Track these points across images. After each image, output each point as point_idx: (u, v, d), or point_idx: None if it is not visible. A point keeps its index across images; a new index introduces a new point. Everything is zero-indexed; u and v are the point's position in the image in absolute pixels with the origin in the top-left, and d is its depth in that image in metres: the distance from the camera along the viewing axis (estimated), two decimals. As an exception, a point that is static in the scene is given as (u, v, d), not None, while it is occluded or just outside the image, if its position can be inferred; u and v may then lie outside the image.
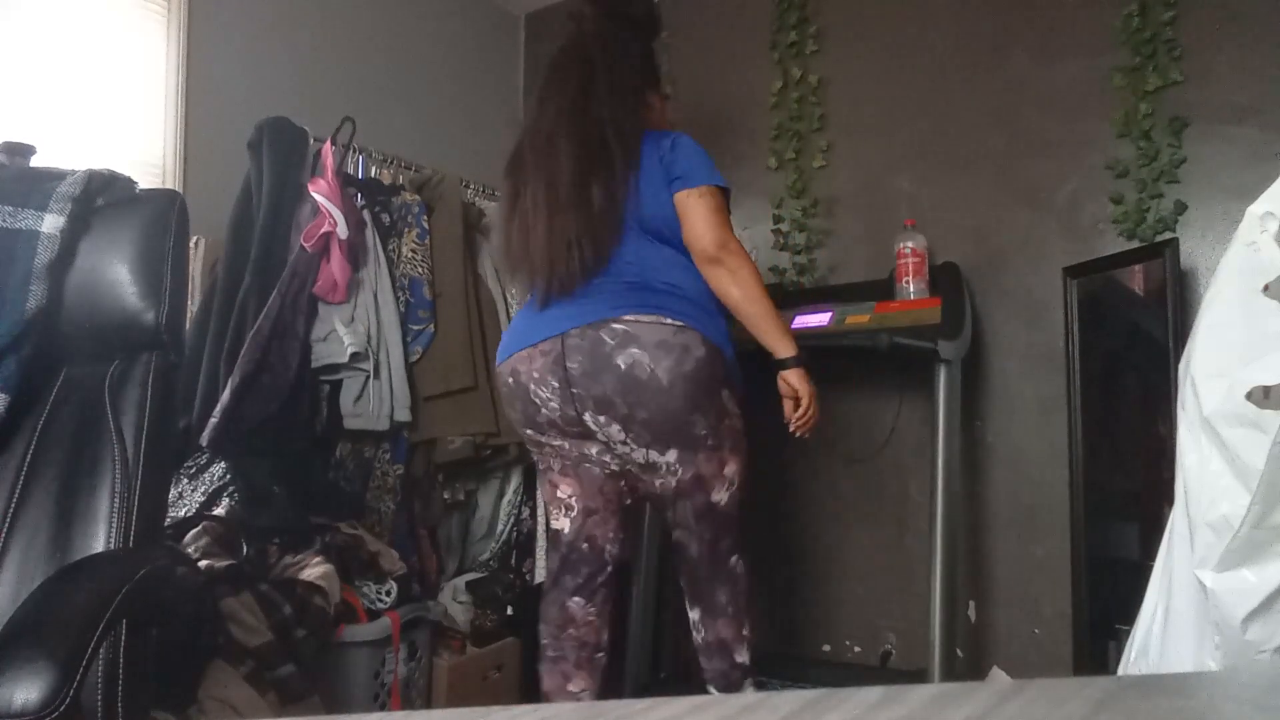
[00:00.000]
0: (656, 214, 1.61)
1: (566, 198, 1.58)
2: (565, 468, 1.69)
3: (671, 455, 1.58)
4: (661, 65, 1.82)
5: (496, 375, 1.72)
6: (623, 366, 1.51)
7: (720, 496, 1.63)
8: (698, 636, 1.72)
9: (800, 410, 1.65)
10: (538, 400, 1.60)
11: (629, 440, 1.57)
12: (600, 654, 1.72)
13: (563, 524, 1.71)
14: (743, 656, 1.70)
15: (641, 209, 1.61)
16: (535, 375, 1.58)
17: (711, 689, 1.73)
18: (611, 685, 1.83)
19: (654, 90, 1.78)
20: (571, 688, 1.68)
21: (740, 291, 1.58)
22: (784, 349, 1.62)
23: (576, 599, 1.70)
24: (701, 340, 1.54)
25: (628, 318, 1.53)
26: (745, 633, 1.70)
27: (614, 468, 1.67)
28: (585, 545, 1.70)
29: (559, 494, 1.71)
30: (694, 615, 1.72)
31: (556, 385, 1.56)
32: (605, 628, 1.73)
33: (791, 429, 1.68)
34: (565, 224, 1.57)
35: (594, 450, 1.65)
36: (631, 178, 1.60)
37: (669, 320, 1.53)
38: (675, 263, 1.60)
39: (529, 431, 1.69)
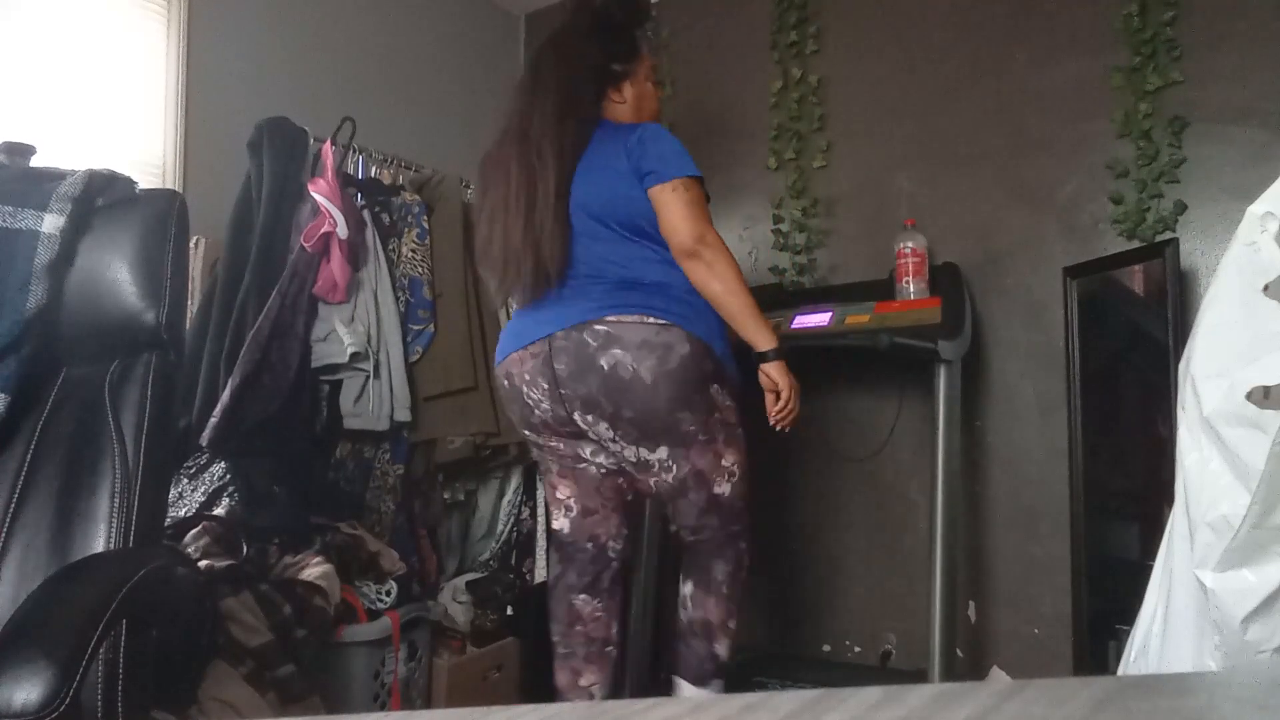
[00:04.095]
0: (632, 211, 1.58)
1: (514, 207, 1.60)
2: (563, 469, 1.70)
3: (662, 452, 1.58)
4: (643, 50, 1.78)
5: (495, 377, 1.75)
6: (605, 368, 1.51)
7: (723, 488, 1.63)
8: (684, 615, 1.72)
9: (781, 403, 1.61)
10: (530, 402, 1.62)
11: (618, 438, 1.58)
12: (610, 647, 1.73)
13: (562, 524, 1.74)
14: (721, 649, 1.69)
15: (615, 208, 1.59)
16: (527, 377, 1.60)
17: (678, 679, 1.73)
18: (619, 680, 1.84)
19: (625, 82, 1.73)
20: (582, 682, 1.70)
21: (720, 285, 1.54)
22: (763, 341, 1.59)
23: (582, 596, 1.71)
24: (687, 338, 1.53)
25: (610, 319, 1.52)
26: (731, 624, 1.70)
27: (610, 466, 1.68)
28: (589, 544, 1.71)
29: (558, 495, 1.73)
30: (685, 589, 1.73)
31: (546, 387, 1.58)
32: (615, 621, 1.74)
33: (772, 422, 1.64)
34: (514, 231, 1.59)
35: (588, 450, 1.66)
36: (567, 179, 1.60)
37: (652, 319, 1.52)
38: (661, 259, 1.59)
39: (527, 432, 1.72)
